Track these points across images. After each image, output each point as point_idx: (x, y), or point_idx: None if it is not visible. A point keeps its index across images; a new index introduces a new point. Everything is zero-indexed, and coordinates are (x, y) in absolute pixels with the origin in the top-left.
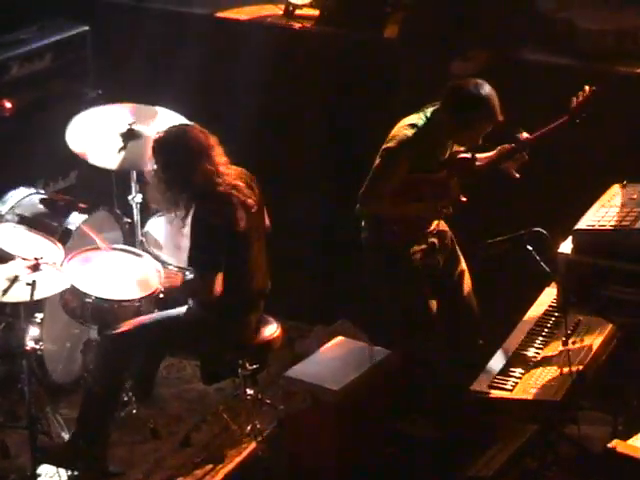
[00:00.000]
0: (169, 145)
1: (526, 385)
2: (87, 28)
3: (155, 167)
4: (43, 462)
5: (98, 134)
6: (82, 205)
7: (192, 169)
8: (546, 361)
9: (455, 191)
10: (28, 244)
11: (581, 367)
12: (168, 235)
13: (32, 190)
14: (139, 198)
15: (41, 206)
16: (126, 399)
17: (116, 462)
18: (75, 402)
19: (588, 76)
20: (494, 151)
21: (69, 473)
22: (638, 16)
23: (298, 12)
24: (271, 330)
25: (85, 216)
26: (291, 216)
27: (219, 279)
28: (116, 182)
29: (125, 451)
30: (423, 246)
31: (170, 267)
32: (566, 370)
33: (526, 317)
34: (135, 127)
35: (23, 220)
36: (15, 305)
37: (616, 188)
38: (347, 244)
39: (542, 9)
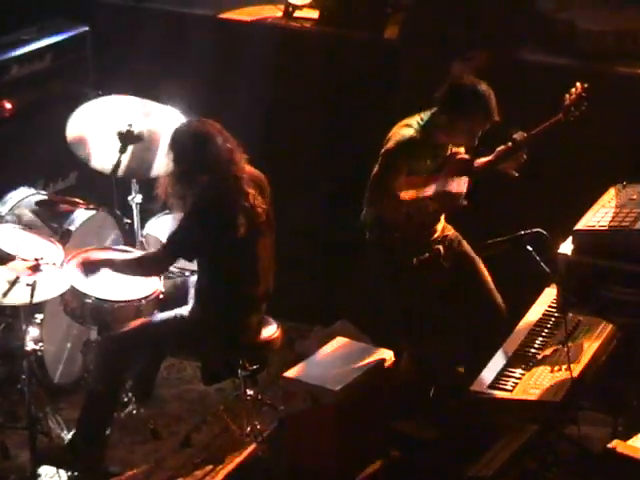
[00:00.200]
0: (183, 137)
1: (526, 385)
2: (87, 28)
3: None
4: (43, 463)
5: (98, 136)
6: (82, 205)
7: (203, 165)
8: (546, 361)
9: (455, 192)
10: (28, 245)
11: (581, 367)
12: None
13: (32, 191)
14: (139, 199)
15: (41, 206)
16: (126, 400)
17: (116, 462)
18: (75, 402)
19: (588, 76)
20: (492, 154)
21: (69, 474)
22: (638, 16)
23: (298, 13)
24: (271, 331)
25: (85, 217)
26: (291, 216)
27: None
28: (116, 183)
29: (125, 451)
30: (427, 255)
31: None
32: (566, 370)
33: (526, 317)
34: (135, 128)
35: (23, 221)
36: (15, 306)
37: (616, 189)
38: (347, 244)
39: (542, 9)
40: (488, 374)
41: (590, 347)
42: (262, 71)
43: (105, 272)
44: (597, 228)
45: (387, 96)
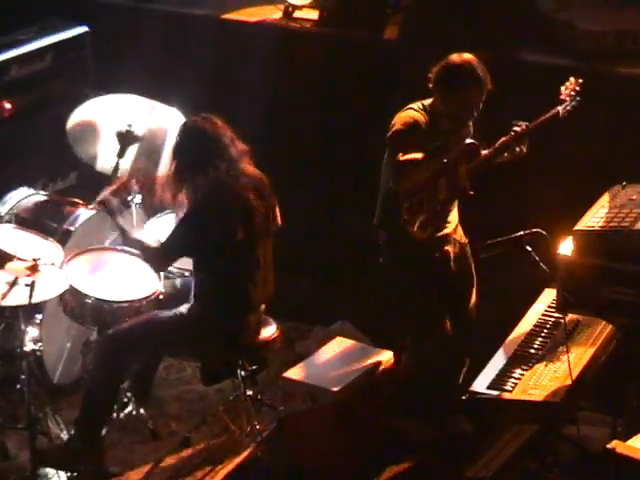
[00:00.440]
0: (187, 133)
1: (526, 386)
2: (87, 29)
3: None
4: (42, 464)
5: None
6: (82, 205)
7: (203, 163)
8: (545, 362)
9: (463, 181)
10: (27, 245)
11: (580, 368)
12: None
13: (32, 191)
14: (138, 199)
15: (41, 207)
16: (126, 400)
17: (116, 463)
18: (75, 403)
19: (588, 76)
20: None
21: (68, 474)
22: (638, 17)
23: (297, 13)
24: (270, 331)
25: (84, 217)
26: (290, 216)
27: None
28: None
29: (125, 452)
30: (436, 254)
31: (170, 269)
32: (565, 371)
33: (525, 317)
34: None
35: (22, 221)
36: (14, 306)
37: (616, 189)
38: (347, 244)
39: (542, 9)
40: (487, 374)
41: (589, 347)
42: (262, 71)
43: (104, 273)
44: (597, 228)
45: (387, 96)
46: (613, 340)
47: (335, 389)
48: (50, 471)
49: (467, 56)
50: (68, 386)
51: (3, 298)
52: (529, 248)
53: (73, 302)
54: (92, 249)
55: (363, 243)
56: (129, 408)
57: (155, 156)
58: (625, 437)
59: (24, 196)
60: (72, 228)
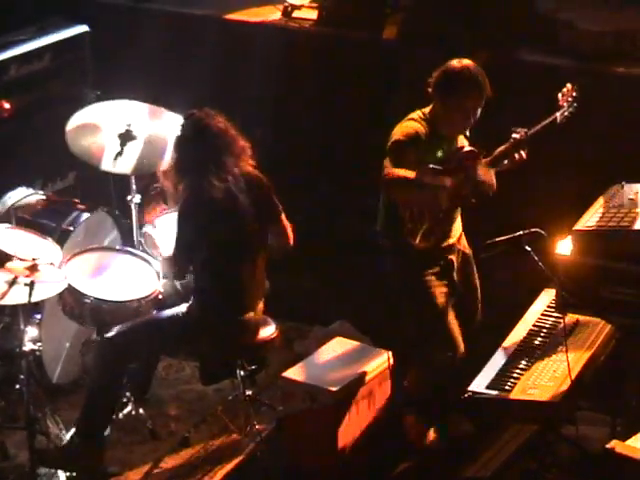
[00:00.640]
0: (185, 128)
1: (525, 386)
2: (86, 29)
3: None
4: (41, 465)
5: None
6: (81, 205)
7: (206, 158)
8: (545, 362)
9: (464, 190)
10: (26, 245)
11: (580, 368)
12: (167, 236)
13: (31, 191)
14: (137, 199)
15: (39, 207)
16: (125, 400)
17: (115, 463)
18: (74, 402)
19: (587, 77)
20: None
21: (68, 474)
22: (637, 17)
23: (297, 13)
24: (269, 331)
25: (84, 217)
26: (290, 216)
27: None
28: (114, 183)
29: (124, 452)
30: (440, 262)
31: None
32: (565, 371)
33: (525, 317)
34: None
35: (21, 221)
36: (14, 306)
37: (615, 189)
38: (346, 245)
39: (542, 10)
40: (487, 374)
41: (588, 347)
42: (261, 71)
43: (104, 273)
44: (596, 228)
45: (386, 96)
46: (612, 340)
47: (334, 389)
48: (49, 471)
49: (467, 62)
50: (67, 386)
51: (2, 298)
52: (528, 248)
53: (72, 302)
54: (91, 249)
55: (363, 243)
56: (128, 408)
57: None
58: (624, 437)
59: (23, 196)
60: (71, 228)
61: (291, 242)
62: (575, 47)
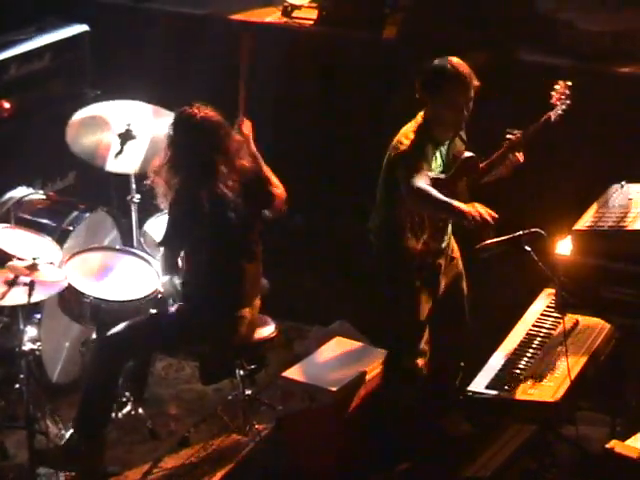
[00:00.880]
0: (180, 124)
1: (524, 386)
2: (86, 28)
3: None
4: (41, 464)
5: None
6: (81, 205)
7: (194, 155)
8: (544, 362)
9: (463, 196)
10: (26, 244)
11: (579, 368)
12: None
13: (30, 190)
14: (137, 198)
15: (39, 206)
16: (124, 400)
17: (115, 462)
18: (73, 402)
19: (587, 76)
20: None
21: (67, 474)
22: (636, 17)
23: (296, 13)
24: (269, 330)
25: (84, 217)
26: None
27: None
28: (114, 182)
29: (123, 451)
30: (430, 267)
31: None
32: (564, 371)
33: (524, 317)
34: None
35: (21, 220)
36: (13, 306)
37: (615, 188)
38: (346, 245)
39: (541, 10)
40: (486, 374)
41: (588, 347)
42: (262, 71)
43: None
44: (596, 228)
45: (386, 96)
46: (612, 340)
47: (334, 389)
48: (48, 471)
49: (450, 58)
50: (67, 385)
51: (2, 297)
52: (528, 248)
53: (72, 301)
54: (91, 248)
55: (363, 243)
56: (128, 408)
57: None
58: (624, 437)
59: (23, 195)
60: (71, 227)
61: (284, 204)
62: (575, 47)
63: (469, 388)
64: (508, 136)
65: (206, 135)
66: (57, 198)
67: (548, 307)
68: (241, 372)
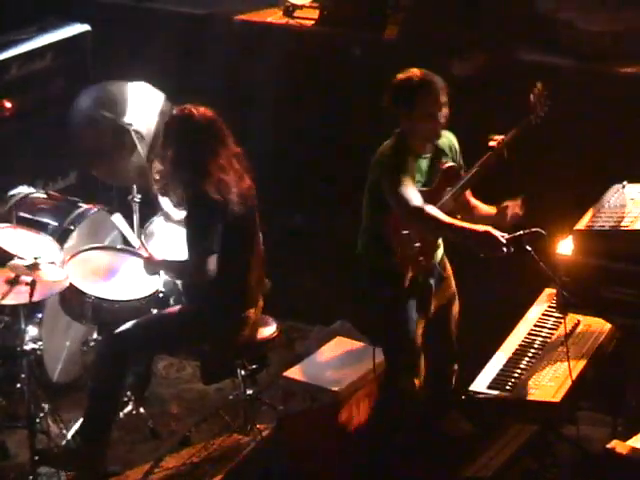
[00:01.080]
0: (179, 124)
1: (525, 386)
2: (88, 28)
3: (164, 144)
4: (42, 464)
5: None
6: (82, 204)
7: (196, 152)
8: (545, 362)
9: (448, 207)
10: (27, 244)
11: (580, 368)
12: (168, 235)
13: (32, 190)
14: (138, 198)
15: (41, 206)
16: (125, 399)
17: (116, 462)
18: (74, 402)
19: (587, 77)
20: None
21: (68, 473)
22: (636, 17)
23: (298, 13)
24: (270, 330)
25: (85, 216)
26: (291, 216)
27: (212, 262)
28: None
29: (124, 451)
30: (422, 290)
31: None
32: (565, 371)
33: (525, 317)
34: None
35: (22, 220)
36: (14, 305)
37: (616, 188)
38: (347, 245)
39: (541, 10)
40: (487, 374)
41: (589, 347)
42: (263, 71)
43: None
44: (597, 228)
45: None
46: (613, 340)
47: (335, 389)
48: (49, 470)
49: (412, 70)
50: (68, 385)
51: (3, 297)
52: (529, 248)
53: (73, 301)
54: (92, 248)
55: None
56: (129, 407)
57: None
58: (625, 437)
59: (24, 195)
60: (72, 227)
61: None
62: (575, 47)
63: (470, 388)
64: (491, 143)
65: (206, 131)
66: (58, 197)
67: (549, 307)
68: (242, 372)
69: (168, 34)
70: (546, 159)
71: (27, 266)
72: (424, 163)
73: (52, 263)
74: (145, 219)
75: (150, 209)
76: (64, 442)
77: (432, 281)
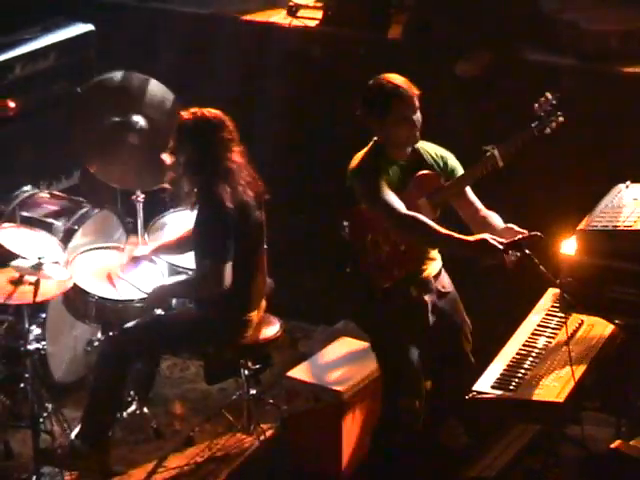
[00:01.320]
0: (192, 127)
1: (529, 386)
2: (91, 28)
3: (174, 148)
4: (45, 464)
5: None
6: (86, 204)
7: (210, 154)
8: (549, 362)
9: (429, 215)
10: (31, 244)
11: (584, 368)
12: (172, 235)
13: (36, 189)
14: (142, 198)
15: (44, 206)
16: (129, 399)
17: (119, 461)
18: (78, 401)
19: (591, 77)
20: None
21: (71, 473)
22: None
23: (301, 12)
24: (274, 330)
25: (89, 216)
26: (294, 217)
27: (228, 270)
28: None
29: (128, 450)
30: (412, 301)
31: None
32: (569, 371)
33: (529, 318)
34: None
35: (26, 219)
36: (18, 304)
37: (619, 188)
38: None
39: (545, 10)
40: (491, 374)
41: (593, 348)
42: (265, 71)
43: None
44: (600, 228)
45: None
46: (616, 340)
47: (339, 389)
48: (53, 470)
49: (382, 76)
50: (72, 385)
51: (8, 297)
52: (528, 252)
53: (77, 300)
54: (96, 248)
55: None
56: (133, 407)
57: None
58: (629, 437)
59: (28, 194)
60: (76, 227)
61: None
62: (579, 47)
63: (474, 388)
64: (487, 154)
65: (220, 131)
66: (62, 197)
67: (552, 307)
68: (246, 372)
69: (172, 34)
70: (549, 159)
71: (31, 266)
72: (395, 169)
73: (56, 263)
74: (149, 219)
75: (154, 208)
76: (68, 442)
77: (428, 297)
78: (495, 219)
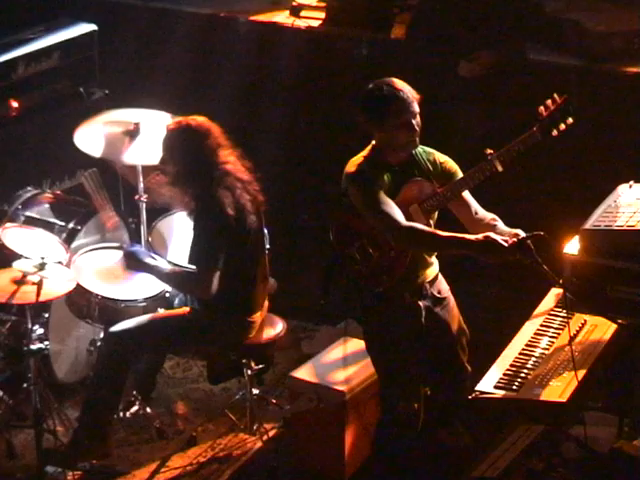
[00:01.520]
0: (180, 137)
1: (532, 386)
2: (94, 28)
3: (164, 159)
4: (48, 464)
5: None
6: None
7: (202, 162)
8: (552, 362)
9: (421, 221)
10: (34, 244)
11: (587, 368)
12: (175, 235)
13: (39, 189)
14: (145, 198)
15: (47, 206)
16: (132, 399)
17: (122, 461)
18: (81, 401)
19: (596, 77)
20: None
21: (74, 473)
22: None
23: (304, 12)
24: (277, 330)
25: (92, 216)
26: (297, 217)
27: (217, 278)
28: (122, 182)
29: (131, 450)
30: (404, 306)
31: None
32: (572, 371)
33: (532, 317)
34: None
35: (29, 219)
36: (21, 304)
37: (623, 188)
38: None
39: (550, 10)
40: (494, 374)
41: (596, 347)
42: (268, 71)
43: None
44: (604, 228)
45: None
46: (619, 339)
47: (342, 389)
48: (56, 470)
49: (380, 81)
50: (75, 384)
51: (10, 296)
52: (532, 248)
53: (80, 300)
54: (99, 247)
55: None
56: (135, 407)
57: None
58: (632, 437)
59: (31, 195)
60: (79, 227)
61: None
62: (583, 47)
63: (477, 387)
64: (489, 158)
65: (207, 137)
66: (65, 197)
67: (556, 307)
68: (249, 371)
69: (175, 34)
70: (553, 158)
71: (34, 266)
72: (389, 174)
73: (59, 263)
74: (152, 219)
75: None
76: (69, 441)
77: (422, 303)
78: (494, 221)
